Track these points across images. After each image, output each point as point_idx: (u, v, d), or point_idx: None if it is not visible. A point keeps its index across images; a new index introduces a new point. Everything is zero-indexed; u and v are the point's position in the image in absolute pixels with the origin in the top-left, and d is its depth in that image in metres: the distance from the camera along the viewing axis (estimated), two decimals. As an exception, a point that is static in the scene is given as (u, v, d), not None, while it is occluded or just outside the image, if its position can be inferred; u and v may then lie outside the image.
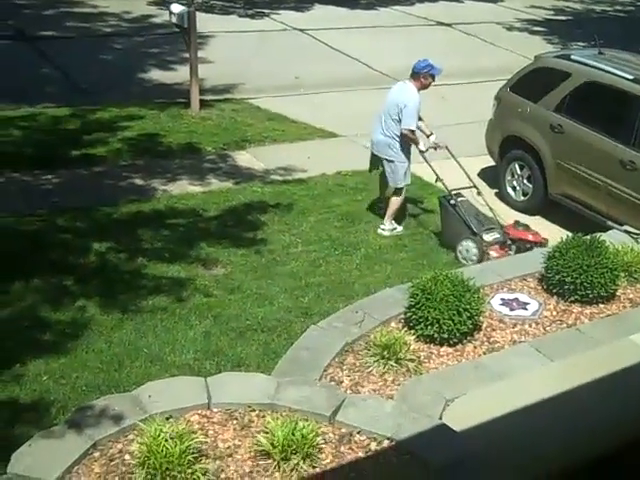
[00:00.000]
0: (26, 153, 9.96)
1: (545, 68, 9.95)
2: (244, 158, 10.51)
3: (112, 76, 12.94)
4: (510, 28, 18.79)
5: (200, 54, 12.35)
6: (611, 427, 5.41)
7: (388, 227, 8.71)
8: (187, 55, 11.85)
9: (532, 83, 9.92)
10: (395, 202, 8.72)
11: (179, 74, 12.90)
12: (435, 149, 8.79)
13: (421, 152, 8.69)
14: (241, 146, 10.84)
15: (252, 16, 17.68)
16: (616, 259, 7.10)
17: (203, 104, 11.85)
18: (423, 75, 8.45)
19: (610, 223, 8.61)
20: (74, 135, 10.60)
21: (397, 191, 8.72)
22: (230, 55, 14.34)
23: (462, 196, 8.58)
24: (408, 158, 8.71)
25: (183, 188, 9.44)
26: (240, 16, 17.54)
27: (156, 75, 13.36)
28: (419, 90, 8.51)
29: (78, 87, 12.48)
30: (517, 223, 8.50)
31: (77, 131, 10.77)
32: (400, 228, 8.79)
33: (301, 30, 16.70)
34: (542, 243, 8.17)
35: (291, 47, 15.51)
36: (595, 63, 9.38)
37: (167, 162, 10.14)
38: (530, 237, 8.23)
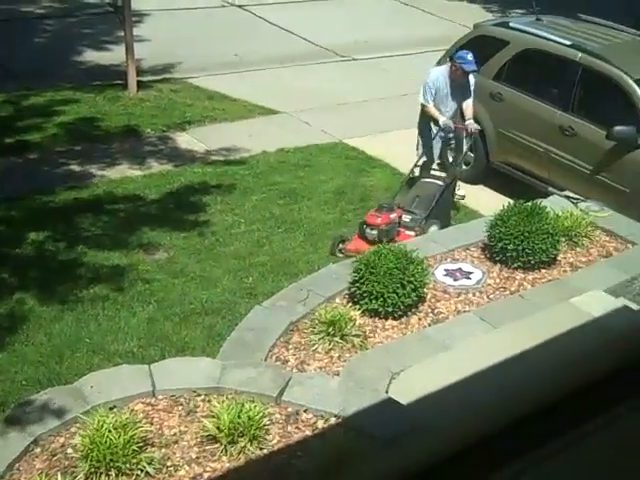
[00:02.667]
0: (-43, 143, 9.70)
1: (484, 36, 9.93)
2: (184, 139, 10.35)
3: (45, 59, 12.59)
4: (450, -3, 18.76)
5: (136, 33, 12.09)
6: (555, 385, 5.47)
7: None
8: (123, 35, 11.60)
9: (472, 52, 9.89)
10: None
11: (115, 55, 12.60)
12: (470, 135, 8.86)
13: (438, 128, 8.77)
14: (181, 127, 10.66)
15: (189, -7, 17.30)
16: (556, 224, 7.16)
17: (141, 85, 11.61)
18: (454, 63, 8.64)
19: (551, 189, 8.67)
20: (7, 122, 10.29)
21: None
22: (167, 34, 14.08)
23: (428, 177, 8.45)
24: (426, 135, 8.85)
25: (122, 172, 9.26)
26: (176, -7, 17.16)
27: (91, 57, 13.04)
28: (451, 76, 8.66)
29: (10, 72, 12.12)
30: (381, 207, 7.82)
31: (10, 118, 10.47)
32: None
33: (239, 6, 16.46)
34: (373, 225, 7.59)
35: (230, 24, 15.28)
36: (533, 30, 9.39)
37: (105, 146, 9.92)
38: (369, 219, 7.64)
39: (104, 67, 12.58)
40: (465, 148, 8.98)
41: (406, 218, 7.87)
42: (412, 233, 7.71)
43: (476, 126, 8.76)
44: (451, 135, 8.80)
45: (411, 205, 8.01)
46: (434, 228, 7.88)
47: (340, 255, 7.57)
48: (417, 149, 8.97)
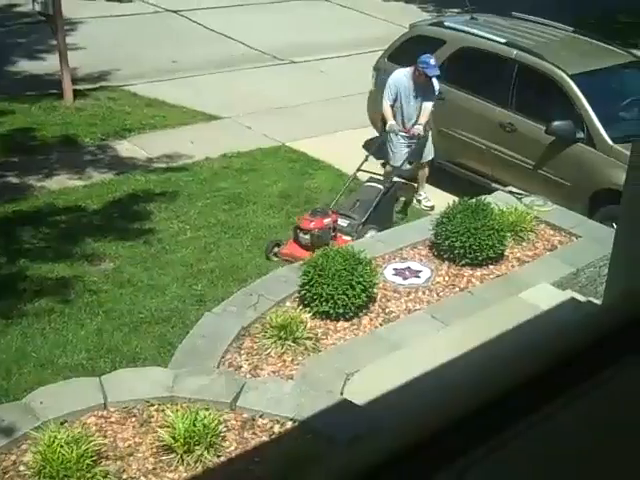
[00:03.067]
0: None
1: (420, 36, 10.02)
2: (125, 147, 10.20)
3: (-23, 71, 12.34)
4: (385, -1, 18.87)
5: (70, 41, 11.91)
6: (506, 377, 5.52)
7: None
8: (56, 44, 11.38)
9: (409, 52, 9.93)
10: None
11: (49, 64, 12.36)
12: (414, 137, 8.74)
13: (384, 131, 8.78)
14: (121, 135, 10.51)
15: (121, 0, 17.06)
16: (502, 220, 7.23)
17: (77, 94, 11.41)
18: (417, 67, 8.53)
19: (495, 185, 8.78)
20: (-60, 135, 10.06)
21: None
22: (102, 41, 13.87)
23: (373, 181, 8.37)
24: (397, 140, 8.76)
25: (62, 183, 9.08)
26: (108, 0, 16.89)
27: (25, 66, 12.77)
28: (414, 80, 8.60)
29: (-58, 85, 11.84)
30: (315, 211, 7.77)
31: (-57, 132, 10.22)
32: None
33: (174, 11, 16.31)
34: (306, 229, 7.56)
35: (165, 30, 15.13)
36: (468, 29, 9.51)
37: (43, 157, 9.71)
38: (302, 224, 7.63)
39: (38, 77, 12.34)
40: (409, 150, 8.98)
41: (343, 223, 7.84)
42: (349, 238, 7.68)
43: (420, 130, 8.68)
44: (414, 140, 8.70)
45: (350, 209, 8.00)
46: (371, 233, 7.82)
47: (275, 259, 7.57)
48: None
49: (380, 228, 7.90)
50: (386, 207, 8.21)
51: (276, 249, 7.65)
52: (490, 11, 10.66)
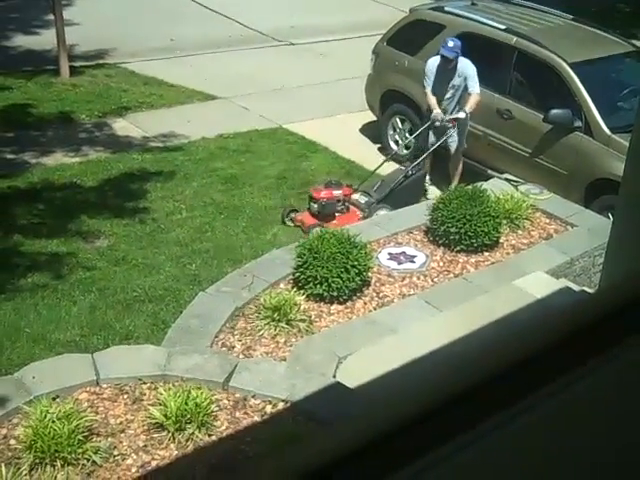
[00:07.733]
0: None
1: (420, 20, 9.98)
2: (121, 125, 10.15)
3: (-27, 46, 12.25)
4: (385, -18, 18.77)
5: (67, 17, 11.79)
6: (496, 362, 5.53)
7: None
8: (52, 19, 11.30)
9: (408, 36, 9.94)
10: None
11: (46, 39, 12.27)
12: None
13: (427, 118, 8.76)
14: (118, 113, 10.45)
15: (120, -24, 16.93)
16: (498, 207, 7.23)
17: (73, 71, 11.34)
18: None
19: (491, 172, 8.76)
20: None
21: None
22: (100, 18, 13.76)
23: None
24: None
25: (58, 159, 9.04)
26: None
27: (20, 42, 12.67)
28: (439, 64, 8.45)
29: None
30: (329, 183, 8.08)
31: (-62, 106, 10.16)
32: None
33: (173, -10, 16.20)
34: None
35: (164, 7, 15.00)
36: (468, 14, 9.47)
37: (39, 133, 9.66)
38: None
39: (35, 53, 12.25)
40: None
41: (362, 199, 8.12)
42: (360, 214, 8.00)
43: (461, 115, 8.52)
44: (437, 124, 8.57)
45: (372, 187, 8.22)
46: (383, 212, 7.98)
47: (290, 224, 7.88)
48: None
49: (394, 208, 7.98)
50: (409, 190, 8.31)
51: (292, 214, 7.95)
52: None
